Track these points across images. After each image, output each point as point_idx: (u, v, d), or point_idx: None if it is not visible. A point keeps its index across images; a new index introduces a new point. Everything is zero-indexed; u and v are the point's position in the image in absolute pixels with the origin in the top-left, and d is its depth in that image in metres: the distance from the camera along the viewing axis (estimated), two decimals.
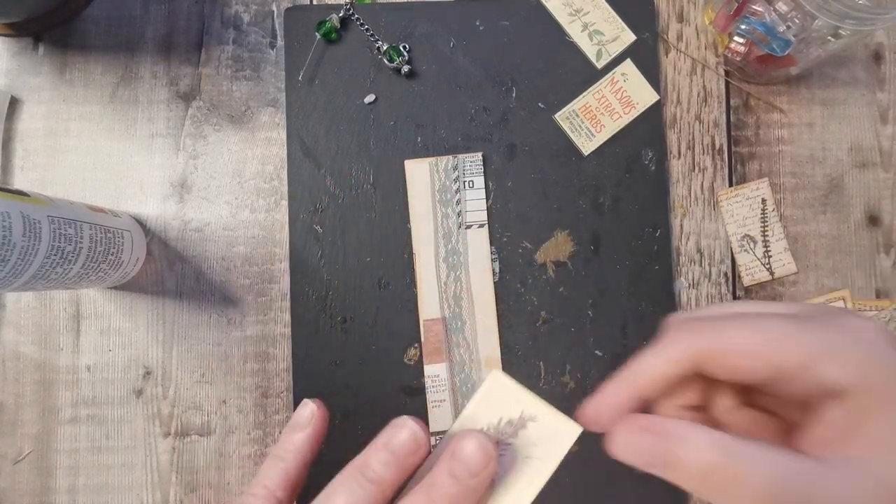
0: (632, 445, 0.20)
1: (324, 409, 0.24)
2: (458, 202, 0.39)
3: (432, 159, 0.39)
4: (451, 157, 0.39)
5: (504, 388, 0.24)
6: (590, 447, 0.37)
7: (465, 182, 0.39)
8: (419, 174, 0.39)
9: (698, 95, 0.41)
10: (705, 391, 0.23)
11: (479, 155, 0.39)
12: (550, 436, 0.22)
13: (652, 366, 0.21)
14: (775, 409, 0.22)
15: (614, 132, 0.39)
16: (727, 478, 0.18)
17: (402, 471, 0.20)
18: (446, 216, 0.39)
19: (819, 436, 0.19)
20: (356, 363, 0.38)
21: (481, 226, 0.39)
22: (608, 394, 0.22)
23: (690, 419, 0.21)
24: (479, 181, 0.39)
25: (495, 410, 0.23)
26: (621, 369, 0.22)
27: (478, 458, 0.20)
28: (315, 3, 0.40)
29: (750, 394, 0.23)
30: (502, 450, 0.22)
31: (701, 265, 0.40)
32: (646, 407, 0.22)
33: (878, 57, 0.42)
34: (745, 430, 0.22)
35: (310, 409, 0.23)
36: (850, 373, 0.18)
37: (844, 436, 0.18)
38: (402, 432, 0.20)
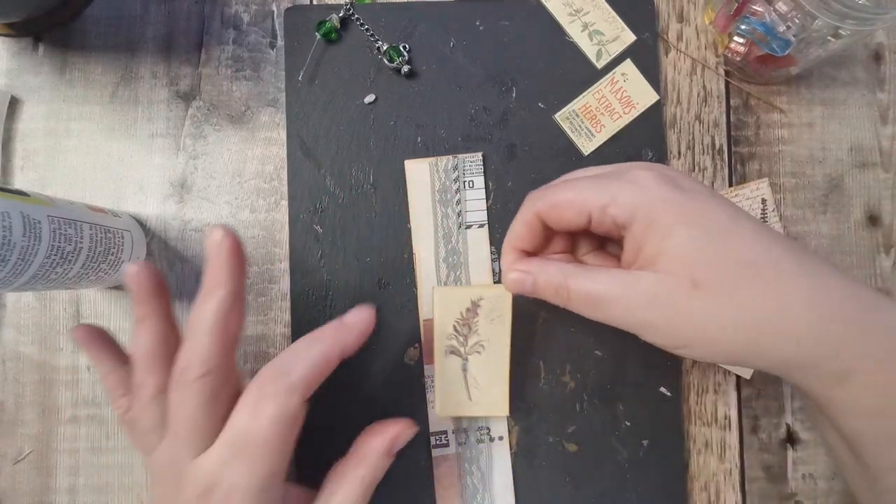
0: (514, 282, 0.29)
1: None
2: (458, 202, 0.39)
3: (432, 159, 0.39)
4: (451, 157, 0.39)
5: (448, 294, 0.34)
6: (590, 448, 0.37)
7: (465, 182, 0.39)
8: (419, 174, 0.39)
9: (698, 95, 0.41)
10: (570, 243, 0.32)
11: (479, 155, 0.39)
12: (498, 301, 0.33)
13: (516, 229, 0.30)
14: (615, 252, 0.32)
15: (614, 132, 0.39)
16: (567, 292, 0.27)
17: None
18: (446, 216, 0.39)
19: (625, 259, 0.28)
20: (356, 363, 0.38)
21: (481, 226, 0.39)
22: (503, 259, 0.31)
23: (562, 260, 0.31)
24: (479, 181, 0.39)
25: (453, 310, 0.33)
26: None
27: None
28: (315, 3, 0.40)
29: (602, 243, 0.32)
30: (476, 325, 0.34)
31: None
32: (532, 256, 0.30)
33: (878, 57, 0.42)
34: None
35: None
36: (626, 211, 0.26)
37: (634, 256, 0.27)
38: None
